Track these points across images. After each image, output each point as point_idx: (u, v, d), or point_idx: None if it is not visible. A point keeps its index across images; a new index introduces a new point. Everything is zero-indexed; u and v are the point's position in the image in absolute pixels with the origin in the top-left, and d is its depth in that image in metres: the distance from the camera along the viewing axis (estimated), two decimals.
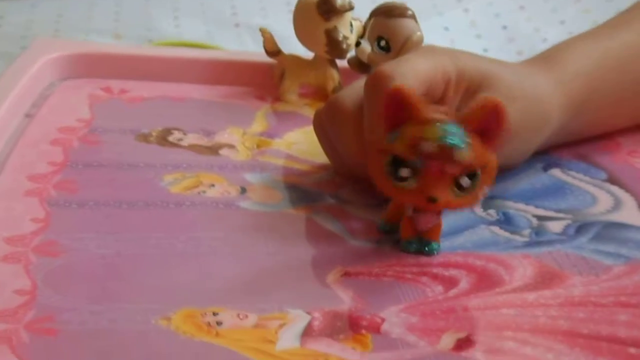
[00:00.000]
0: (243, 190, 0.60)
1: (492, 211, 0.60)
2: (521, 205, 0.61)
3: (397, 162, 0.52)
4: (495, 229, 0.58)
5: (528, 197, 0.62)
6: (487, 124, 0.51)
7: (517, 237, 0.58)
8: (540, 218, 0.60)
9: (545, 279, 0.53)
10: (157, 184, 0.60)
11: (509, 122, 0.51)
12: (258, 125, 0.70)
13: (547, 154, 0.67)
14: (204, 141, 0.66)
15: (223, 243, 0.55)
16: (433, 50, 0.60)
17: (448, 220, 0.58)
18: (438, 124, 0.51)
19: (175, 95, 0.73)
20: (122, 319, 0.47)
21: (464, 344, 0.47)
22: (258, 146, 0.66)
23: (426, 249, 0.55)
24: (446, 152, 0.50)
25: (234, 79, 0.75)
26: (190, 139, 0.66)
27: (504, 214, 0.60)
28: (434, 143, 0.50)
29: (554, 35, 0.94)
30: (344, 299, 0.50)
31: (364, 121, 0.57)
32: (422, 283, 0.52)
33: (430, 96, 0.58)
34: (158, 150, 0.65)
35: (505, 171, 0.64)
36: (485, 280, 0.53)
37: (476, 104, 0.51)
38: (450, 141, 0.50)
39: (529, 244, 0.57)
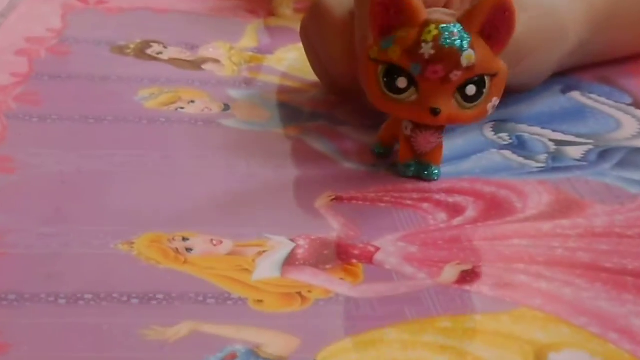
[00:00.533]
0: (226, 107, 0.54)
1: (504, 135, 0.54)
2: (537, 129, 0.55)
3: (393, 72, 0.45)
4: (508, 153, 0.52)
5: (545, 121, 0.56)
6: (492, 23, 0.45)
7: (531, 163, 0.51)
8: (558, 143, 0.53)
9: (563, 207, 0.47)
10: (130, 98, 0.54)
11: (516, 19, 0.45)
12: (248, 40, 0.63)
13: (566, 75, 0.60)
14: (186, 55, 0.60)
15: (199, 163, 0.48)
16: None
17: (454, 143, 0.52)
18: (436, 24, 0.44)
19: (158, 7, 0.66)
20: (76, 243, 0.41)
21: (468, 276, 0.41)
22: (246, 62, 0.60)
23: (425, 173, 0.48)
24: (447, 55, 0.44)
25: None
26: (171, 52, 0.60)
27: (518, 137, 0.54)
28: (433, 45, 0.44)
29: None
30: (334, 226, 0.44)
31: (355, 29, 0.50)
32: (423, 210, 0.46)
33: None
34: (134, 63, 0.58)
35: (520, 93, 0.57)
36: (494, 208, 0.47)
37: (479, 0, 0.45)
38: (450, 42, 0.44)
39: (545, 170, 0.51)
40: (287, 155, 0.50)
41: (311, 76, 0.57)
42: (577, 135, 0.54)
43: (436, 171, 0.48)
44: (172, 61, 0.59)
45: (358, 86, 0.51)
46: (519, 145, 0.53)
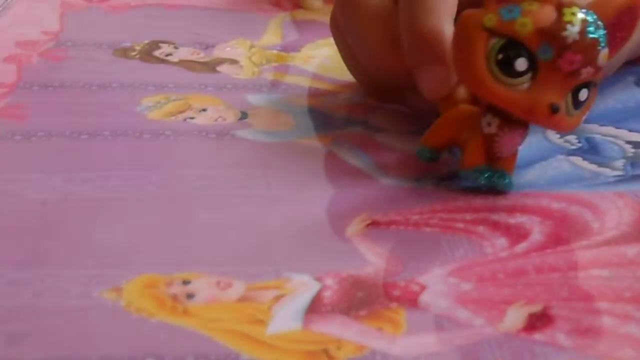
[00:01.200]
0: (244, 115, 0.46)
1: (571, 137, 0.45)
2: (610, 129, 0.46)
3: (510, 49, 0.37)
4: (577, 160, 0.44)
5: (618, 119, 0.47)
6: (615, 25, 0.38)
7: (607, 171, 0.43)
8: (636, 145, 0.45)
9: None
10: (131, 109, 0.46)
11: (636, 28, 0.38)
12: (271, 36, 0.55)
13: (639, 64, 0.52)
14: (199, 56, 0.52)
15: (208, 185, 0.40)
16: None
17: None
18: (577, 8, 0.37)
19: (170, 3, 0.59)
20: (51, 292, 0.33)
21: (538, 321, 0.33)
22: (268, 62, 0.52)
23: (504, 182, 0.40)
24: (589, 47, 0.37)
25: None
26: (182, 53, 0.52)
27: (588, 140, 0.45)
28: (580, 30, 0.37)
29: None
30: (369, 259, 0.36)
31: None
32: (478, 235, 0.38)
33: None
34: (139, 67, 0.51)
35: None
36: (566, 229, 0.38)
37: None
38: (596, 33, 0.37)
39: (623, 179, 0.42)
40: (314, 172, 0.42)
41: (344, 76, 0.49)
42: None
43: (511, 181, 0.40)
44: (183, 63, 0.51)
45: (399, 85, 0.43)
46: (590, 150, 0.45)
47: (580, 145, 0.45)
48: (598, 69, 0.37)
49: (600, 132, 0.46)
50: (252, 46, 0.54)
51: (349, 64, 0.47)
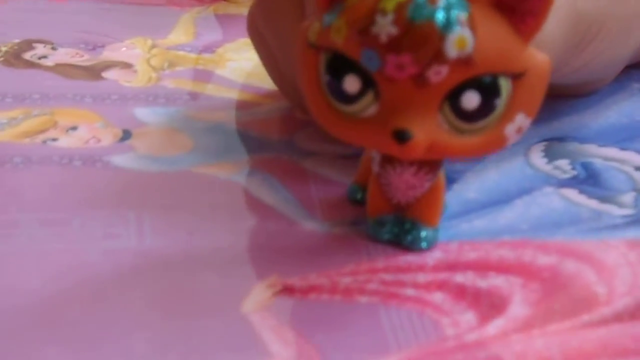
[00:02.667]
0: (126, 135, 0.35)
1: (563, 162, 0.34)
2: (613, 152, 0.35)
3: (340, 65, 0.26)
4: (572, 193, 0.32)
5: (623, 138, 0.36)
6: None
7: (612, 208, 0.31)
8: None
9: None
10: None
11: None
12: (179, 34, 0.44)
13: None
14: (82, 59, 0.40)
15: (59, 233, 0.29)
16: None
17: (484, 178, 0.32)
18: None
19: None
20: None
21: None
22: (171, 65, 0.40)
23: (408, 237, 0.29)
24: (419, 37, 0.25)
25: None
26: (61, 55, 0.41)
27: (585, 166, 0.34)
28: (394, 18, 0.25)
29: None
30: (273, 349, 0.24)
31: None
32: (434, 307, 0.26)
33: None
34: (0, 73, 0.39)
35: (581, 96, 0.38)
36: (559, 297, 0.27)
37: None
38: (426, 14, 0.25)
39: (635, 221, 0.31)
40: (208, 214, 0.30)
41: (267, 82, 0.37)
42: None
43: (429, 235, 0.29)
44: (59, 68, 0.39)
45: None
46: (589, 179, 0.33)
47: (575, 172, 0.34)
48: (457, 64, 0.25)
49: (601, 154, 0.35)
50: (153, 46, 0.42)
51: (273, 75, 0.36)
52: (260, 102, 0.38)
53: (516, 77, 0.26)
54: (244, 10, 0.46)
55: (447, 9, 0.25)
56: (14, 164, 0.32)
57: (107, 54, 0.41)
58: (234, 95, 0.38)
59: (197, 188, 0.32)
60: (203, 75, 0.40)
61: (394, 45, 0.25)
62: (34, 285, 0.27)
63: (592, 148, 0.35)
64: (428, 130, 0.26)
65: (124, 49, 0.42)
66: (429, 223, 0.29)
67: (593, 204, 0.32)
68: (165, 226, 0.29)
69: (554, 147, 0.35)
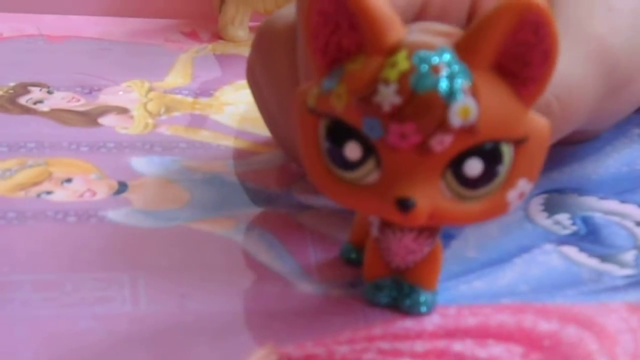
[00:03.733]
0: (122, 188, 0.34)
1: (563, 217, 0.34)
2: (613, 205, 0.34)
3: (340, 132, 0.26)
4: (572, 251, 0.32)
5: (624, 189, 0.35)
6: (514, 50, 0.25)
7: (613, 268, 0.31)
8: None
9: None
10: None
11: (557, 38, 0.25)
12: (177, 76, 0.43)
13: None
14: (78, 103, 0.40)
15: (46, 298, 0.28)
16: None
17: (483, 235, 0.32)
18: (410, 50, 0.25)
19: (54, 33, 0.46)
20: None
21: None
22: (168, 111, 0.40)
23: (406, 302, 0.28)
24: (423, 107, 0.24)
25: (150, 8, 0.48)
26: (56, 100, 0.40)
27: (585, 221, 0.34)
28: (398, 87, 0.24)
29: None
30: None
31: (297, 56, 0.31)
32: None
33: (436, 12, 0.31)
34: None
35: (580, 145, 0.37)
36: None
37: (490, 12, 0.25)
38: (429, 84, 0.24)
39: (637, 282, 0.30)
40: (204, 273, 0.30)
41: (265, 129, 0.37)
42: None
43: (427, 299, 0.28)
44: (55, 114, 0.39)
45: None
46: (589, 235, 0.33)
47: (575, 228, 0.33)
48: (461, 133, 0.25)
49: (601, 208, 0.34)
50: (150, 89, 0.41)
51: (269, 125, 0.36)
52: (257, 151, 0.37)
53: (518, 142, 0.26)
54: (243, 50, 0.46)
55: (451, 78, 0.24)
56: (7, 220, 0.32)
57: (104, 98, 0.41)
58: (230, 142, 0.38)
59: (193, 246, 0.31)
60: (199, 121, 0.39)
61: (397, 115, 0.24)
62: (25, 354, 0.26)
63: (592, 201, 0.35)
64: (430, 197, 0.25)
65: (121, 92, 0.41)
66: (428, 287, 0.28)
67: (593, 263, 0.31)
68: (160, 289, 0.29)
69: (553, 199, 0.35)
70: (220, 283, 0.29)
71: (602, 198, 0.35)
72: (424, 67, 0.25)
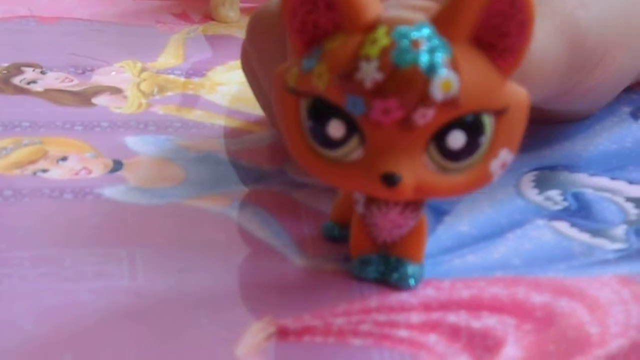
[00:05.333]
0: (117, 166, 0.34)
1: (554, 193, 0.34)
2: (604, 181, 0.35)
3: (322, 111, 0.26)
4: (564, 226, 0.32)
5: (614, 166, 0.36)
6: (492, 23, 0.25)
7: (604, 242, 0.32)
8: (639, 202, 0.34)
9: None
10: None
11: (533, 11, 0.25)
12: (169, 56, 0.43)
13: (637, 91, 0.40)
14: (71, 83, 0.40)
15: (45, 272, 0.29)
16: None
17: (476, 211, 0.32)
18: (390, 26, 0.25)
19: (46, 15, 0.47)
20: None
21: None
22: (161, 90, 0.40)
23: (394, 275, 0.29)
24: (405, 81, 0.25)
25: None
26: (50, 80, 0.40)
27: (576, 197, 0.34)
28: (379, 63, 0.25)
29: None
30: None
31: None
32: (429, 349, 0.26)
33: None
34: None
35: (571, 123, 0.38)
36: (553, 339, 0.27)
37: None
38: (410, 58, 0.25)
39: (627, 255, 0.31)
40: (200, 250, 0.30)
41: (258, 108, 0.37)
42: None
43: (415, 271, 0.29)
44: (49, 94, 0.39)
45: None
46: (581, 211, 0.33)
47: (566, 204, 0.34)
48: (443, 106, 0.25)
49: (592, 184, 0.35)
50: (143, 70, 0.42)
51: (264, 108, 0.36)
52: (250, 130, 0.38)
53: (498, 113, 0.26)
54: (234, 31, 0.46)
55: (431, 52, 0.25)
56: (4, 198, 0.32)
57: (97, 78, 0.41)
58: (223, 121, 0.38)
59: (189, 223, 0.32)
60: (192, 101, 0.40)
61: (380, 91, 0.25)
62: (25, 326, 0.27)
63: (583, 177, 0.35)
64: (415, 171, 0.26)
65: (114, 73, 0.41)
66: (414, 259, 0.29)
67: (585, 237, 0.32)
68: (157, 263, 0.29)
69: (544, 176, 0.35)
70: (217, 258, 0.30)
71: (592, 175, 0.35)
72: (404, 42, 0.25)
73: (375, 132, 0.25)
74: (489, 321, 0.28)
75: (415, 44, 0.25)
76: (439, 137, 0.26)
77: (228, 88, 0.41)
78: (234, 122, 0.38)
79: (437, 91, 0.25)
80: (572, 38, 0.32)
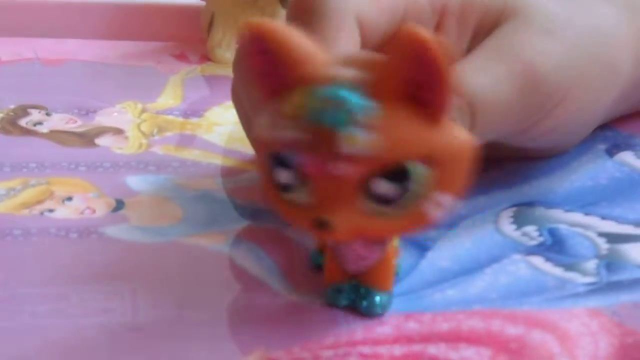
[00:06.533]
0: (119, 205, 0.37)
1: (530, 229, 0.36)
2: (578, 217, 0.37)
3: (277, 160, 0.28)
4: (539, 261, 0.34)
5: (588, 202, 0.38)
6: (414, 80, 0.27)
7: (575, 276, 0.34)
8: (611, 238, 0.36)
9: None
10: None
11: (444, 67, 0.27)
12: (168, 97, 0.46)
13: (613, 129, 0.43)
14: (75, 125, 0.42)
15: (54, 309, 0.31)
16: None
17: (458, 246, 0.34)
18: (312, 86, 0.28)
19: (51, 57, 0.49)
20: None
21: None
22: (161, 131, 0.42)
23: (364, 303, 0.31)
24: (321, 138, 0.27)
25: (141, 32, 0.51)
26: (55, 121, 0.43)
27: (552, 232, 0.36)
28: (297, 121, 0.28)
29: None
30: None
31: None
32: None
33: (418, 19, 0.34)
34: None
35: (546, 159, 0.40)
36: None
37: (388, 48, 0.28)
38: (324, 117, 0.27)
39: (597, 289, 0.33)
40: (199, 286, 0.32)
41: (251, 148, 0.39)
42: (637, 224, 0.37)
43: (382, 300, 0.31)
44: (54, 135, 0.41)
45: None
46: (555, 246, 0.35)
47: (542, 239, 0.36)
48: (361, 157, 0.27)
49: (567, 220, 0.37)
50: (143, 111, 0.44)
51: (247, 133, 0.38)
52: (244, 169, 0.40)
53: (426, 160, 0.28)
54: (230, 72, 0.48)
55: (344, 111, 0.27)
56: (14, 237, 0.34)
57: (100, 119, 0.43)
58: (219, 161, 0.41)
59: (187, 260, 0.34)
60: (190, 141, 0.42)
61: (304, 146, 0.27)
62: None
63: (558, 213, 0.37)
64: (348, 217, 0.28)
65: (116, 114, 0.44)
66: (382, 288, 0.31)
67: (558, 271, 0.34)
68: (157, 300, 0.31)
69: (522, 212, 0.37)
70: (213, 294, 0.32)
71: (567, 211, 0.37)
72: (318, 101, 0.27)
73: (311, 181, 0.28)
74: (466, 353, 0.30)
75: (329, 102, 0.27)
76: (366, 185, 0.28)
77: (224, 128, 0.43)
78: (230, 161, 0.40)
79: (349, 146, 0.27)
80: (528, 83, 0.34)
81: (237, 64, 0.36)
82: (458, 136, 0.28)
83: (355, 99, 0.27)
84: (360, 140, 0.27)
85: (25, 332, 0.30)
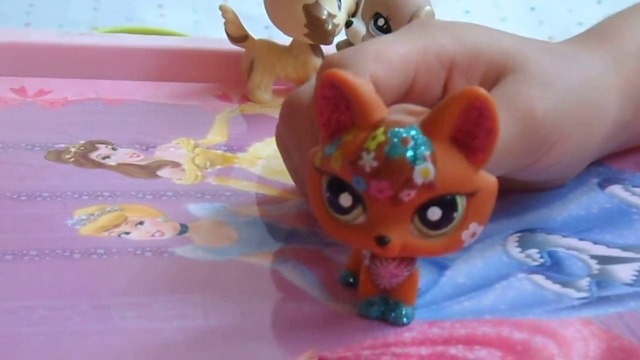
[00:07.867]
0: (184, 229, 0.43)
1: (533, 251, 0.43)
2: (573, 242, 0.44)
3: (337, 186, 0.35)
4: (540, 278, 0.41)
5: (582, 229, 0.45)
6: (465, 128, 0.34)
7: (571, 292, 0.40)
8: (601, 260, 0.42)
9: None
10: (61, 223, 0.43)
11: (497, 121, 0.34)
12: (216, 134, 0.52)
13: (604, 164, 0.49)
14: (139, 158, 0.49)
15: (140, 315, 0.37)
16: (424, 25, 0.42)
17: (472, 265, 0.41)
18: (386, 127, 0.34)
19: (110, 97, 0.55)
20: None
21: None
22: (212, 164, 0.49)
23: (392, 314, 0.37)
24: (395, 169, 0.34)
25: (189, 74, 0.58)
26: (121, 155, 0.49)
27: (551, 255, 0.43)
28: (376, 155, 0.34)
29: (591, 17, 0.76)
30: None
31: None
32: None
33: (420, 88, 0.41)
34: (73, 173, 0.47)
35: (548, 192, 0.47)
36: None
37: (447, 99, 0.34)
38: (399, 152, 0.34)
39: (589, 302, 0.39)
40: (256, 296, 0.39)
41: (292, 180, 0.46)
42: (624, 248, 0.43)
43: (407, 312, 0.37)
44: (121, 167, 0.48)
45: None
46: (553, 266, 0.42)
47: (542, 260, 0.42)
48: (423, 188, 0.34)
49: (564, 244, 0.43)
50: (195, 146, 0.51)
51: (295, 180, 0.45)
52: (287, 198, 0.46)
53: (469, 195, 0.35)
54: (268, 110, 0.55)
55: (415, 148, 0.34)
56: (98, 255, 0.41)
57: (159, 154, 0.49)
58: (264, 190, 0.47)
59: (245, 275, 0.40)
60: (238, 173, 0.48)
61: (376, 175, 0.34)
62: (127, 356, 0.35)
63: (556, 238, 0.44)
64: (402, 236, 0.34)
65: (172, 149, 0.50)
66: (408, 302, 0.37)
67: (556, 288, 0.40)
68: (223, 308, 0.38)
69: (526, 237, 0.44)
70: (269, 303, 0.39)
71: (564, 236, 0.44)
72: (396, 140, 0.34)
73: (373, 204, 0.34)
74: (480, 353, 0.36)
75: (404, 141, 0.34)
76: (421, 210, 0.34)
77: (267, 161, 0.50)
78: (273, 191, 0.47)
79: (418, 177, 0.34)
80: (528, 127, 0.40)
81: (286, 114, 0.43)
82: (488, 176, 0.35)
83: (424, 139, 0.34)
84: (431, 172, 0.34)
85: (116, 333, 0.36)
